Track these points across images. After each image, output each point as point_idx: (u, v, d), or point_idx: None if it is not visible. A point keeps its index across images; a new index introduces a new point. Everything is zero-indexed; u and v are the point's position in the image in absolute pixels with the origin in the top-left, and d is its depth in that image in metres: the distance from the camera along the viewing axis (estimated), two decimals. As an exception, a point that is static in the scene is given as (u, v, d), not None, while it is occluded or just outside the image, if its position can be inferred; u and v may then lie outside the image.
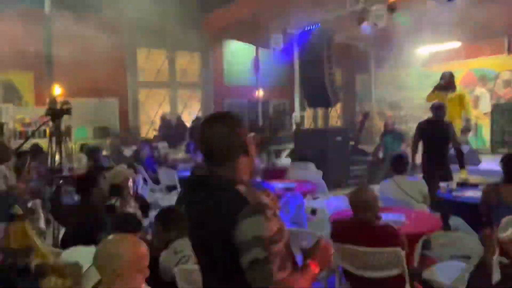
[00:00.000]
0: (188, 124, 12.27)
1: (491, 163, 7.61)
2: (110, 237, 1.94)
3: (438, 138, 5.56)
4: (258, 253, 1.27)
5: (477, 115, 11.49)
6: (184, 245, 2.67)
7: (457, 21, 9.86)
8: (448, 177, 5.28)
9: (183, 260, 2.61)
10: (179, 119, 12.31)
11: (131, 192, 3.75)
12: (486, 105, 11.27)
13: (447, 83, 6.99)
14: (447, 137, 5.56)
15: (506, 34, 10.77)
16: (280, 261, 1.29)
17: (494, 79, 11.31)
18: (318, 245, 1.51)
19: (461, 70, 11.96)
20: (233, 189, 1.41)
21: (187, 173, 5.07)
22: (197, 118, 12.00)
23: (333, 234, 3.04)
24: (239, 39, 12.77)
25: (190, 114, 13.67)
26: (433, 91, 7.11)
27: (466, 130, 7.67)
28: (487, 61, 11.18)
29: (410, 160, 5.78)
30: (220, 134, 1.46)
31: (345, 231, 2.94)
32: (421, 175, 5.63)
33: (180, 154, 8.47)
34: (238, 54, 13.77)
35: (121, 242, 1.87)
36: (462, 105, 7.43)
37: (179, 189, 5.80)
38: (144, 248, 1.86)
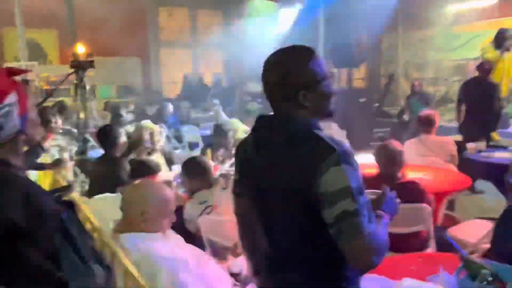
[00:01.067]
0: (210, 84, 12.22)
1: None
2: (138, 181, 1.96)
3: (481, 98, 5.35)
4: (347, 205, 1.16)
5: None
6: (208, 195, 2.70)
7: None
8: (487, 139, 5.13)
9: (207, 210, 2.64)
10: (201, 79, 12.25)
11: (152, 144, 3.82)
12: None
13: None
14: (491, 98, 5.34)
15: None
16: (368, 213, 1.20)
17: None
18: (384, 194, 1.46)
19: (494, 30, 11.40)
20: (314, 133, 1.27)
21: (209, 131, 5.11)
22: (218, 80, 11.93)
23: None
24: None
25: (212, 75, 13.57)
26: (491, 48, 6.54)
27: None
28: (523, 21, 10.59)
29: (456, 120, 5.64)
30: (277, 75, 1.29)
31: (370, 186, 2.89)
32: (453, 137, 5.49)
33: (201, 113, 8.48)
34: (261, 12, 13.42)
35: (147, 186, 1.90)
36: None
37: (201, 146, 5.84)
38: (170, 193, 1.88)
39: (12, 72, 1.22)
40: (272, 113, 1.36)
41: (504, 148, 4.80)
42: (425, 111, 4.75)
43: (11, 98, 1.16)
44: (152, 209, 1.79)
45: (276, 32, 13.25)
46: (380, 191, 1.52)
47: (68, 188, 1.63)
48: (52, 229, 1.13)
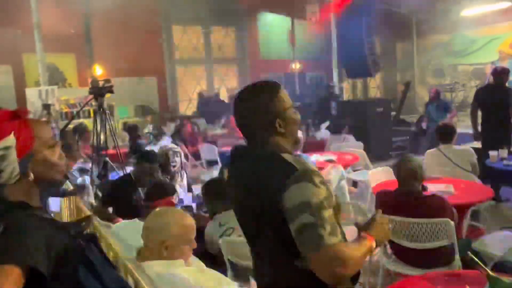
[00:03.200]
0: (226, 100, 12.32)
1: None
2: (158, 209, 1.99)
3: (497, 105, 5.26)
4: (305, 218, 1.24)
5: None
6: (229, 217, 2.71)
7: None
8: (508, 146, 5.02)
9: (228, 232, 2.65)
10: (216, 95, 12.36)
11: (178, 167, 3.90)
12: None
13: None
14: (507, 104, 5.24)
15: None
16: (330, 227, 1.25)
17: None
18: (375, 218, 1.47)
19: (511, 33, 11.23)
20: (280, 157, 1.38)
21: (227, 148, 5.13)
22: (233, 96, 12.01)
23: (378, 205, 2.99)
24: (274, 11, 12.52)
25: (227, 90, 13.69)
26: None
27: None
28: (540, 22, 10.41)
29: (472, 128, 5.54)
30: (253, 107, 1.42)
31: (391, 202, 2.87)
32: (471, 144, 5.40)
33: (218, 129, 8.53)
34: (273, 26, 13.54)
35: (169, 214, 1.92)
36: None
37: (219, 164, 5.87)
38: (191, 220, 1.89)
39: (15, 114, 1.22)
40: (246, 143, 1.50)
41: (527, 154, 4.69)
42: (443, 121, 4.69)
43: (7, 141, 1.16)
44: (173, 237, 1.81)
45: (289, 46, 13.34)
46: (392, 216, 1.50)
47: (88, 218, 1.65)
48: (75, 264, 1.16)
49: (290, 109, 1.45)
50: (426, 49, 13.18)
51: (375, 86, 14.79)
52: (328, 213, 1.27)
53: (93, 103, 4.72)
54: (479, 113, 5.48)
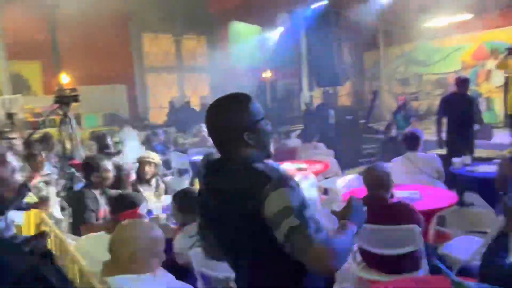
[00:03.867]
0: (197, 108, 12.25)
1: (503, 137, 7.48)
2: (126, 221, 1.94)
3: (461, 113, 5.45)
4: (291, 221, 1.25)
5: (489, 89, 11.28)
6: (198, 228, 2.68)
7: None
8: (471, 153, 5.20)
9: (198, 244, 2.61)
10: (187, 103, 12.28)
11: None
12: (498, 79, 11.02)
13: None
14: (470, 112, 5.44)
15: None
16: (315, 225, 1.27)
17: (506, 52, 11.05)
18: (350, 203, 1.49)
19: (473, 44, 11.69)
20: (252, 167, 1.39)
21: (198, 157, 5.09)
22: (205, 104, 11.97)
23: (347, 213, 3.02)
24: (245, 20, 12.59)
25: (199, 98, 13.63)
26: (505, 58, 6.02)
27: None
28: (500, 33, 10.89)
29: (436, 135, 5.71)
30: (223, 120, 1.45)
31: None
32: (436, 151, 5.57)
33: (190, 138, 8.46)
34: (245, 35, 13.60)
35: (136, 226, 1.88)
36: None
37: (190, 173, 5.81)
38: (159, 232, 1.86)
39: None
40: (218, 155, 1.51)
41: (489, 161, 4.87)
42: (409, 129, 4.81)
43: None
44: (141, 250, 1.77)
45: (260, 55, 13.42)
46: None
47: (42, 235, 1.60)
48: (29, 283, 1.12)
49: (261, 121, 1.47)
50: (392, 59, 13.56)
51: (344, 95, 15.06)
52: (309, 211, 1.30)
53: (59, 114, 4.59)
54: (444, 120, 5.68)
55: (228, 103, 1.48)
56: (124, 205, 2.55)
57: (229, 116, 1.44)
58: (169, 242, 2.73)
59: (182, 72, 13.71)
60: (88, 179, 3.45)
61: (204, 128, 7.47)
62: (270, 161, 1.48)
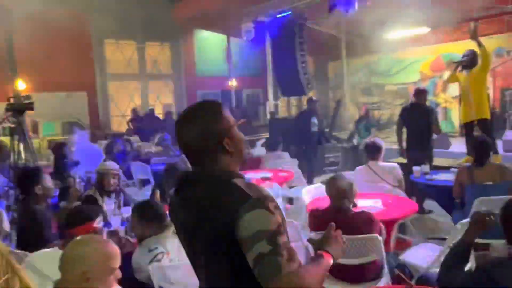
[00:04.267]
0: (161, 116, 12.06)
1: (460, 146, 7.77)
2: (78, 237, 1.84)
3: (420, 123, 5.61)
4: (262, 247, 1.19)
5: (446, 99, 11.74)
6: (159, 241, 2.59)
7: (425, 6, 10.00)
8: (429, 161, 5.35)
9: (158, 257, 2.52)
10: (151, 111, 12.06)
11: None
12: (454, 89, 11.48)
13: (469, 61, 5.69)
14: (429, 122, 5.61)
15: (471, 20, 10.96)
16: (287, 253, 1.20)
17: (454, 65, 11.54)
18: (330, 234, 1.44)
19: (430, 55, 12.16)
20: (231, 183, 1.32)
21: (161, 167, 4.97)
22: (169, 112, 11.80)
23: (310, 223, 3.02)
24: (209, 28, 12.57)
25: (163, 106, 13.44)
26: (454, 71, 5.97)
27: None
28: (455, 46, 11.37)
29: (397, 144, 5.85)
30: (200, 128, 1.37)
31: (323, 219, 2.91)
32: (396, 160, 5.71)
33: (153, 147, 8.29)
34: (210, 44, 13.58)
35: (89, 242, 1.78)
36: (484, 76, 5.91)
37: (152, 183, 5.67)
38: (114, 248, 1.77)
39: None
40: (192, 169, 1.44)
41: (446, 169, 5.03)
42: (371, 138, 4.90)
43: None
44: (95, 267, 1.67)
45: (225, 63, 13.44)
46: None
47: None
48: None
49: (235, 127, 1.42)
50: (355, 69, 13.88)
51: (309, 104, 15.27)
52: (284, 238, 1.23)
53: (12, 120, 4.37)
54: (404, 130, 5.83)
55: (202, 110, 1.41)
56: (78, 219, 2.43)
57: (205, 123, 1.37)
58: (128, 257, 2.63)
59: (145, 80, 13.49)
60: (30, 192, 3.22)
61: (166, 137, 7.35)
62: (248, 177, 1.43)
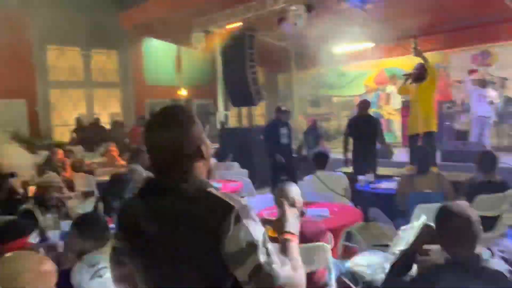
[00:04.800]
0: (107, 126, 11.66)
1: (402, 156, 8.13)
2: (10, 254, 1.71)
3: (365, 134, 5.81)
4: (257, 259, 1.15)
5: (389, 111, 12.28)
6: (100, 256, 2.46)
7: (369, 23, 10.47)
8: (374, 171, 5.55)
9: (100, 273, 2.40)
10: (96, 121, 11.63)
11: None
12: (396, 102, 12.08)
13: (419, 74, 5.95)
14: (375, 133, 5.83)
15: (411, 37, 11.60)
16: (279, 258, 1.18)
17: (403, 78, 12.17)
18: (284, 210, 1.41)
19: (374, 69, 12.72)
20: (209, 193, 1.24)
21: (106, 178, 4.78)
22: (115, 122, 11.45)
23: (259, 233, 3.01)
24: (159, 37, 12.38)
25: (109, 116, 13.01)
26: (404, 83, 6.25)
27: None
28: (397, 61, 11.98)
29: (343, 155, 6.01)
30: (178, 134, 1.27)
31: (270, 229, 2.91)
32: (343, 169, 5.87)
33: (98, 158, 7.96)
34: (159, 52, 13.37)
35: (22, 259, 1.66)
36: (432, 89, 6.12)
37: (96, 195, 5.43)
38: (49, 265, 1.66)
39: None
40: (158, 175, 1.31)
41: (390, 178, 5.23)
42: (318, 148, 5.01)
43: None
44: (27, 286, 1.56)
45: (175, 73, 13.28)
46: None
47: None
48: None
49: (203, 137, 1.34)
50: (304, 81, 14.22)
51: (260, 114, 15.41)
52: (271, 244, 1.20)
53: None
54: (350, 140, 6.03)
55: (179, 115, 1.31)
56: (10, 234, 2.26)
57: (186, 128, 1.28)
58: (67, 273, 2.48)
59: (91, 88, 13.01)
60: None
61: (112, 147, 7.10)
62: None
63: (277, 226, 1.39)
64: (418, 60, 5.94)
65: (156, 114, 1.34)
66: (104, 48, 13.07)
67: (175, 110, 1.34)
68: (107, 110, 13.40)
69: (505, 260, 1.93)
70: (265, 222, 1.39)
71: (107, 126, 11.70)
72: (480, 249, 1.94)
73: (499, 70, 10.08)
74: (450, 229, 1.95)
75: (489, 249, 1.95)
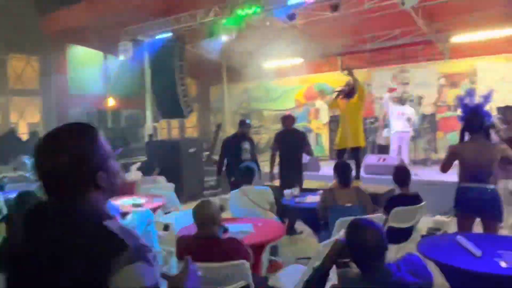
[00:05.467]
0: (25, 136, 10.83)
1: (330, 169, 8.39)
2: None
3: (291, 148, 5.89)
4: None
5: (318, 125, 12.70)
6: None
7: (299, 40, 10.82)
8: (300, 184, 5.64)
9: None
10: (11, 131, 10.74)
11: None
12: (324, 117, 12.53)
13: (349, 91, 6.08)
14: (301, 146, 5.94)
15: (337, 55, 12.18)
16: None
17: (331, 93, 12.67)
18: (186, 267, 1.31)
19: (304, 85, 13.13)
20: (104, 227, 1.11)
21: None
22: (34, 133, 10.66)
23: (178, 252, 2.90)
24: (84, 44, 11.80)
25: (27, 126, 12.12)
26: (335, 99, 6.33)
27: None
28: (325, 77, 12.47)
29: (269, 169, 6.03)
30: (70, 155, 1.13)
31: (190, 247, 2.81)
32: (271, 183, 5.90)
33: (10, 172, 7.32)
34: (86, 60, 12.73)
35: None
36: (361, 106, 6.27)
37: (4, 213, 4.96)
38: None
39: None
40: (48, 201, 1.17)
41: (314, 191, 5.33)
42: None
43: None
44: None
45: (102, 82, 12.71)
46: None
47: None
48: None
49: (111, 158, 1.21)
50: (236, 94, 14.32)
51: (191, 126, 15.22)
52: None
53: None
54: (278, 154, 6.09)
55: (75, 135, 1.17)
56: None
57: (77, 150, 1.14)
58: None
59: (6, 95, 12.05)
60: None
61: (26, 161, 6.58)
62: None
63: (176, 279, 1.30)
64: (346, 76, 6.20)
65: (49, 132, 1.20)
66: (23, 53, 12.20)
67: (69, 129, 1.20)
68: (26, 120, 12.48)
69: (412, 273, 2.01)
70: (164, 276, 1.31)
71: (25, 137, 10.87)
72: (389, 263, 2.00)
73: (416, 89, 10.84)
74: (359, 243, 2.00)
75: (397, 263, 2.02)
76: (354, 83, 6.05)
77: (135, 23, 9.51)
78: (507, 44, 9.32)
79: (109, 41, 10.61)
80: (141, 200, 4.98)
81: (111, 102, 12.78)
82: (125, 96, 12.88)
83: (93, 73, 12.73)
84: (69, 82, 12.50)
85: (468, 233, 3.45)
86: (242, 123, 6.71)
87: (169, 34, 9.12)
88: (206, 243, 2.79)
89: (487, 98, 3.87)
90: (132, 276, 1.06)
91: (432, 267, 2.79)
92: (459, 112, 4.09)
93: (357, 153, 6.22)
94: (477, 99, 4.00)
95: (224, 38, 8.21)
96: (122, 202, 4.80)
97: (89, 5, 9.59)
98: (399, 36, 10.22)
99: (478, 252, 2.74)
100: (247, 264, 2.77)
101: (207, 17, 8.54)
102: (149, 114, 10.56)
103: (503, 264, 2.53)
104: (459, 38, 9.81)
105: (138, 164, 7.66)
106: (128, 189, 5.88)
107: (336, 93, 6.35)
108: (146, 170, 6.92)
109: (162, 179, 6.09)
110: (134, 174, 6.99)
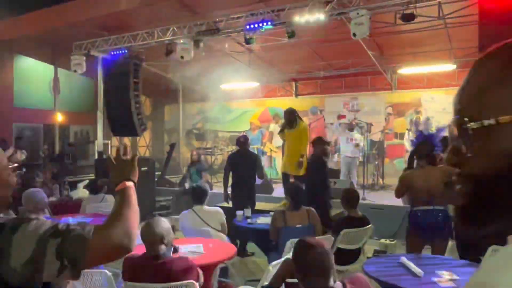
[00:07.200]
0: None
1: (282, 191, 8.48)
2: None
3: (244, 169, 5.91)
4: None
5: (272, 148, 12.85)
6: None
7: (256, 64, 11.03)
8: (252, 205, 5.64)
9: None
10: None
11: None
12: (278, 140, 12.70)
13: (288, 121, 6.15)
14: (254, 168, 5.97)
15: (292, 80, 12.52)
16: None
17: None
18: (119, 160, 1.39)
19: (259, 108, 13.31)
20: None
21: None
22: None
23: (125, 272, 2.80)
24: (33, 56, 11.35)
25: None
26: (282, 129, 6.38)
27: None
28: (279, 101, 12.71)
29: (223, 190, 5.99)
30: None
31: (138, 268, 2.73)
32: (223, 204, 5.87)
33: None
34: (34, 72, 12.22)
35: None
36: (302, 139, 6.27)
37: None
38: None
39: None
40: None
41: (267, 213, 5.36)
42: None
43: None
44: None
45: (51, 96, 12.22)
46: None
47: None
48: None
49: (4, 171, 1.22)
50: (191, 114, 14.26)
51: (144, 145, 14.90)
52: None
53: None
54: (231, 175, 6.09)
55: None
56: None
57: None
58: None
59: None
60: None
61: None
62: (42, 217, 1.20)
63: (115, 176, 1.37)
64: (300, 100, 6.36)
65: None
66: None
67: None
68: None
69: (358, 292, 2.06)
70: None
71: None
72: (334, 282, 2.04)
73: (365, 116, 11.30)
74: (304, 263, 2.03)
75: (342, 281, 2.06)
76: (299, 123, 6.10)
77: (89, 37, 9.30)
78: (446, 78, 10.03)
79: (60, 54, 10.29)
80: (87, 219, 4.77)
81: (59, 117, 12.29)
82: (75, 112, 12.45)
83: (41, 87, 12.23)
84: (14, 94, 11.91)
85: (410, 255, 3.59)
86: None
87: (125, 51, 8.99)
88: (154, 263, 2.73)
89: (440, 130, 4.12)
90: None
91: (376, 287, 2.89)
92: (411, 136, 4.35)
93: (298, 179, 6.35)
94: (431, 130, 4.29)
95: (181, 57, 8.20)
96: (66, 220, 4.58)
97: (40, 16, 9.28)
98: (351, 65, 10.67)
99: (420, 272, 2.87)
100: (196, 285, 2.72)
101: (165, 36, 8.53)
102: (100, 130, 10.24)
103: (441, 284, 2.66)
104: (406, 70, 10.41)
105: (86, 182, 7.37)
106: (74, 208, 5.63)
107: (283, 124, 6.47)
108: (93, 188, 6.67)
109: (110, 197, 5.88)
110: (80, 192, 6.71)
